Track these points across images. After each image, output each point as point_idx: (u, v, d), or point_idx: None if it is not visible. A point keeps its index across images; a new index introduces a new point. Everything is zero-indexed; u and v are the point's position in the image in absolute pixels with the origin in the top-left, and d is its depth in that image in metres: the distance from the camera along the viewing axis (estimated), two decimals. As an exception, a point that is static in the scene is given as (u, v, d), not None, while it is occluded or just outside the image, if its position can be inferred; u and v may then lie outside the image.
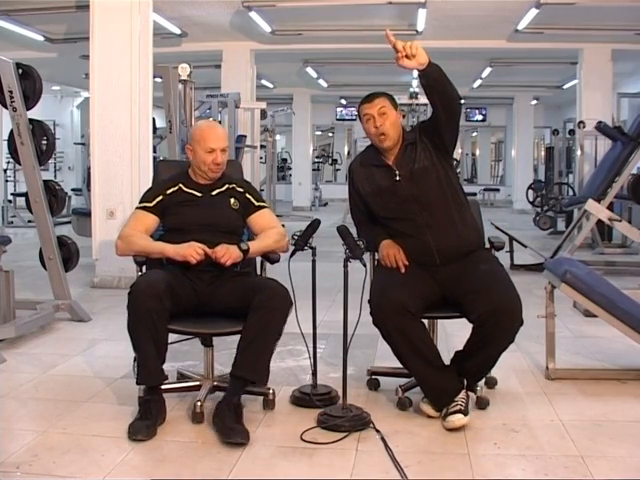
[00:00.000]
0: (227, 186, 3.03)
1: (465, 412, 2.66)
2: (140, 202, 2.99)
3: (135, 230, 2.91)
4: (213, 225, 2.91)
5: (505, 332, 2.71)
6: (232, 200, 3.00)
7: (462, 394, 2.73)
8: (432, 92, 2.77)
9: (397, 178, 2.91)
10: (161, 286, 2.68)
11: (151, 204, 2.95)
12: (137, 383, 2.72)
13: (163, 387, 2.76)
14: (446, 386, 2.75)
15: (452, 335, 3.66)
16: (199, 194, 2.98)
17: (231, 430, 2.53)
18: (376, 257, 3.08)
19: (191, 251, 2.78)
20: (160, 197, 2.95)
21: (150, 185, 3.26)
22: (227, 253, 2.81)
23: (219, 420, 2.60)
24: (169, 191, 2.97)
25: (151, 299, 2.62)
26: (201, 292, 2.85)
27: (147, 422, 2.59)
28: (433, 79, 2.72)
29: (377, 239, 2.99)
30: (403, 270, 2.88)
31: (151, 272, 2.85)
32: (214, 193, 3.00)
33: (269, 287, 2.77)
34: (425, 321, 2.87)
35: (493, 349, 2.76)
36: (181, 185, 2.99)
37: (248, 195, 3.03)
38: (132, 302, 2.65)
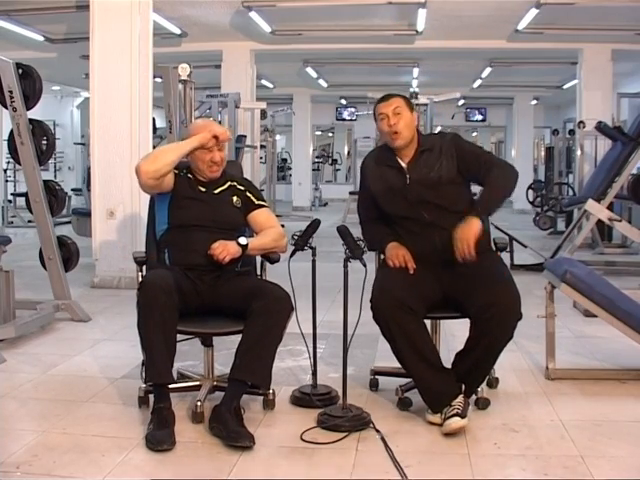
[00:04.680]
0: (229, 184, 3.04)
1: (463, 415, 2.61)
2: None
3: None
4: (215, 223, 2.91)
5: (502, 325, 2.67)
6: (234, 198, 3.01)
7: (460, 399, 2.68)
8: None
9: (407, 182, 2.92)
10: (171, 282, 2.68)
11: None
12: (145, 382, 2.71)
13: None
14: (443, 389, 2.70)
15: (453, 336, 3.65)
16: (203, 189, 2.99)
17: (237, 433, 2.50)
18: (381, 256, 3.06)
19: (205, 134, 2.83)
20: (176, 171, 2.94)
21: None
22: (225, 249, 2.80)
23: (221, 424, 2.56)
24: (179, 172, 2.97)
25: (163, 294, 2.61)
26: (203, 293, 2.85)
27: (167, 430, 2.53)
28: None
29: (384, 240, 2.98)
30: (412, 271, 2.87)
31: (158, 270, 2.82)
32: (217, 191, 3.00)
33: (271, 292, 2.75)
34: (428, 322, 2.86)
35: (491, 345, 2.70)
36: (187, 172, 2.99)
37: (249, 193, 3.04)
38: (143, 296, 2.63)
